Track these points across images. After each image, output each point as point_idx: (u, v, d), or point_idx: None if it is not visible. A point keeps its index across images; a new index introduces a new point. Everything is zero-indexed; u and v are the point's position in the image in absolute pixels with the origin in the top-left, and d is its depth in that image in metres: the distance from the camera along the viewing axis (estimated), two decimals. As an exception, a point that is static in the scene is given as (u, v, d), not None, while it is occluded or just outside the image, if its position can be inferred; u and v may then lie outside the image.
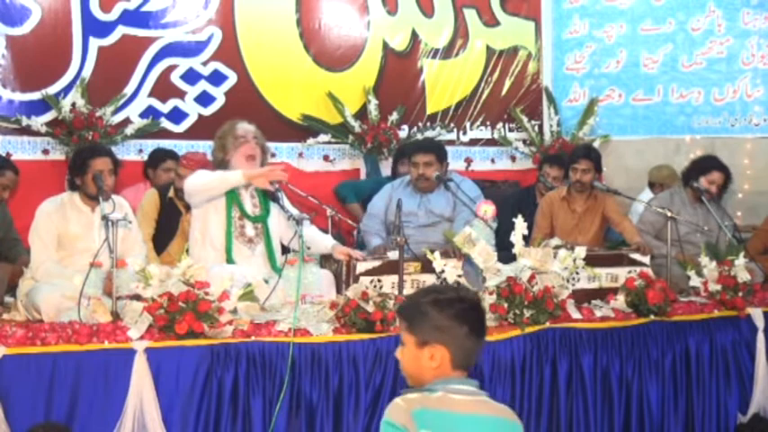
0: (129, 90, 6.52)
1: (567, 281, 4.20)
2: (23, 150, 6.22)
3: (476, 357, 2.26)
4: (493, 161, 7.85)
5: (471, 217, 4.62)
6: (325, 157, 7.21)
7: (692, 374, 4.35)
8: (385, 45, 7.40)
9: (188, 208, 5.13)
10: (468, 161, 7.67)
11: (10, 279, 4.61)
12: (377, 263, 4.31)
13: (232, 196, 4.42)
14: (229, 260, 4.36)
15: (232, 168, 4.43)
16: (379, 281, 4.22)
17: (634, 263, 4.68)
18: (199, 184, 4.34)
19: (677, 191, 5.62)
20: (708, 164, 5.56)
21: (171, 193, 5.32)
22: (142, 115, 6.56)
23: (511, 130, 7.88)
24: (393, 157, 6.61)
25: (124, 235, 4.31)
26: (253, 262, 4.39)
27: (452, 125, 7.63)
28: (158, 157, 5.92)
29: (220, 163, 4.49)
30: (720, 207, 5.41)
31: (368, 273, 4.24)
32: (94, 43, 6.41)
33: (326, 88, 7.13)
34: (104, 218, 3.88)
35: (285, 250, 4.48)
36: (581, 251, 4.20)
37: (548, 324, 4.03)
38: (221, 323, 3.54)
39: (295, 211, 4.44)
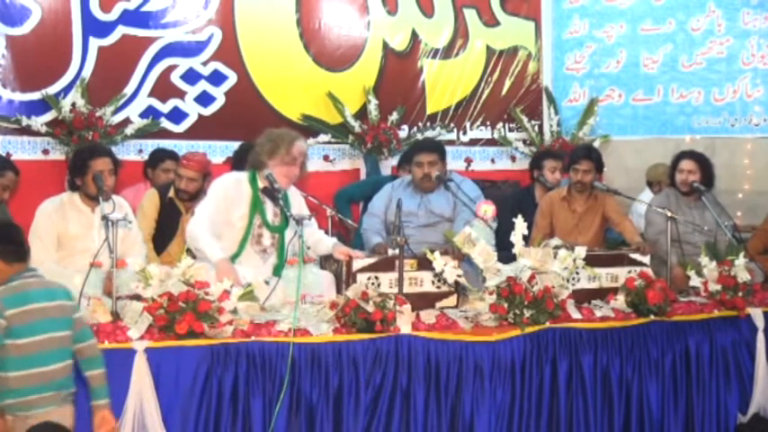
0: (129, 90, 6.52)
1: (567, 281, 4.19)
2: (23, 150, 6.22)
3: (25, 254, 3.23)
4: (493, 161, 7.86)
5: (471, 217, 4.61)
6: (326, 157, 7.21)
7: (692, 374, 4.35)
8: (385, 45, 7.41)
9: (188, 208, 5.14)
10: (468, 161, 7.68)
11: None
12: (373, 259, 4.31)
13: (257, 204, 4.41)
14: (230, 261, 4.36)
15: (264, 170, 4.39)
16: (376, 278, 4.22)
17: (634, 263, 4.68)
18: (191, 242, 4.27)
19: (672, 191, 5.62)
20: (676, 158, 5.60)
21: (171, 194, 5.31)
22: (142, 115, 6.56)
23: (511, 130, 7.89)
24: (398, 161, 6.58)
25: (124, 235, 4.31)
26: (261, 270, 4.38)
27: (452, 125, 7.64)
28: (157, 157, 5.92)
29: (257, 163, 4.44)
30: (718, 205, 5.40)
31: (364, 270, 4.24)
32: (94, 43, 6.41)
33: (326, 88, 7.13)
34: (104, 218, 3.88)
35: None
36: (581, 251, 4.20)
37: (548, 324, 4.03)
38: (221, 323, 3.54)
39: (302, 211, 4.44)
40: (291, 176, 4.46)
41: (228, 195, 4.41)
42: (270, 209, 4.48)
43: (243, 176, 4.49)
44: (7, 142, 6.17)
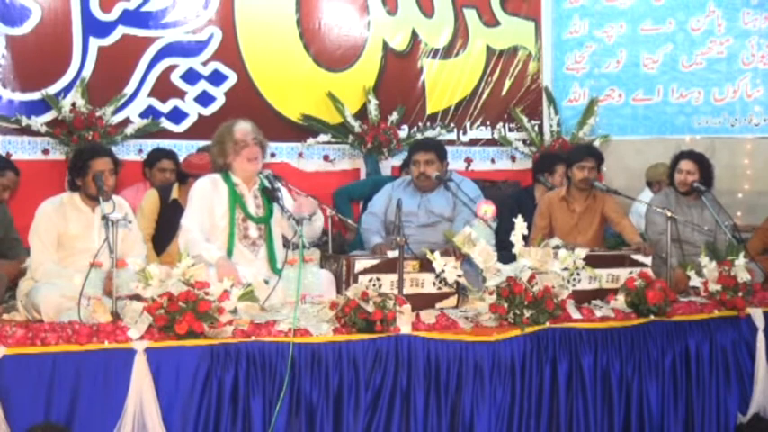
0: (129, 90, 6.53)
1: (568, 281, 4.19)
2: (23, 150, 6.23)
3: None
4: (493, 161, 7.86)
5: (471, 217, 4.61)
6: (325, 157, 7.21)
7: (692, 374, 4.35)
8: (385, 45, 7.41)
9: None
10: (468, 161, 7.68)
11: (10, 277, 4.60)
12: (375, 261, 4.31)
13: (235, 198, 4.42)
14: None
15: (234, 170, 4.43)
16: (378, 279, 4.23)
17: (636, 263, 4.68)
18: (186, 252, 3.94)
19: (671, 191, 5.63)
20: (676, 158, 5.60)
21: (175, 194, 5.30)
22: (142, 115, 6.57)
23: (511, 130, 7.89)
24: (401, 165, 6.58)
25: (124, 235, 4.31)
26: (255, 265, 4.38)
27: (452, 125, 7.64)
28: (155, 156, 5.92)
29: (221, 167, 4.46)
30: (717, 205, 5.40)
31: (366, 271, 4.24)
32: (94, 43, 6.42)
33: (326, 88, 7.13)
34: (104, 218, 3.88)
35: (287, 244, 4.47)
36: (581, 252, 4.19)
37: (548, 324, 4.02)
38: (221, 323, 3.54)
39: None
40: (252, 157, 4.42)
41: (207, 198, 4.39)
42: (251, 201, 4.47)
43: (216, 177, 4.48)
44: (7, 142, 6.17)
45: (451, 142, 7.48)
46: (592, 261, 4.29)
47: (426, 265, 4.22)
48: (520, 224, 4.09)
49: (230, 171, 4.46)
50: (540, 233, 5.22)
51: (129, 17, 6.52)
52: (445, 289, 4.35)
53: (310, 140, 7.10)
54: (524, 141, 7.88)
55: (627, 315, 4.26)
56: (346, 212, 6.25)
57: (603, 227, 5.55)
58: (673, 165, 5.59)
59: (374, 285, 4.01)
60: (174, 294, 3.48)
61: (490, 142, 7.83)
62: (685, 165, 5.49)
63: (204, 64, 6.77)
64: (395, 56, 7.46)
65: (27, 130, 6.21)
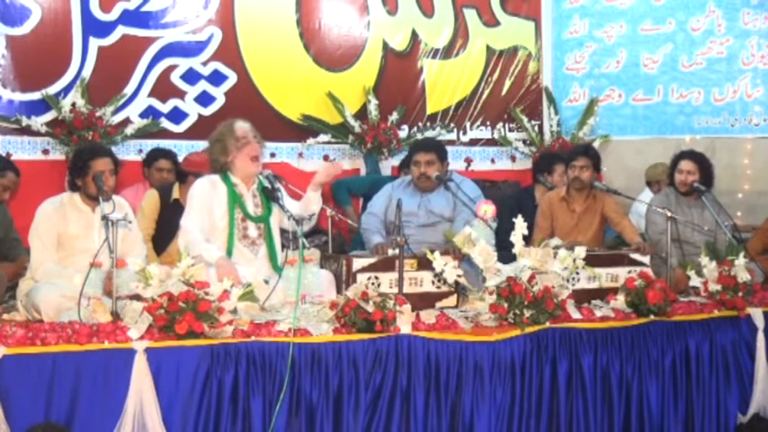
0: (129, 90, 6.53)
1: (567, 281, 4.19)
2: (23, 150, 6.23)
3: None
4: (493, 161, 7.86)
5: (471, 217, 4.62)
6: (325, 158, 7.21)
7: (692, 374, 4.35)
8: (385, 45, 7.41)
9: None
10: (468, 161, 7.68)
11: (11, 277, 4.60)
12: (373, 260, 4.31)
13: (234, 198, 4.42)
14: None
15: (235, 169, 4.43)
16: (376, 278, 4.23)
17: (634, 263, 4.68)
18: (185, 253, 3.90)
19: (671, 191, 5.63)
20: (676, 158, 5.60)
21: (176, 194, 5.30)
22: (142, 115, 6.57)
23: (511, 130, 7.89)
24: (399, 164, 6.59)
25: (124, 235, 4.31)
26: (255, 264, 4.39)
27: (452, 125, 7.64)
28: (152, 156, 5.92)
29: (223, 166, 4.46)
30: (718, 205, 5.40)
31: (364, 270, 4.25)
32: (94, 43, 6.41)
33: (326, 88, 7.13)
34: (104, 218, 3.88)
35: (286, 244, 4.46)
36: (581, 251, 4.20)
37: (548, 324, 4.03)
38: (221, 323, 3.54)
39: (294, 211, 4.44)
40: (254, 154, 4.44)
41: (206, 198, 4.40)
42: (250, 201, 4.47)
43: (215, 177, 4.48)
44: (7, 142, 6.17)
45: (451, 142, 7.48)
46: (592, 261, 4.29)
47: (424, 263, 4.23)
48: (520, 224, 4.09)
49: (230, 171, 4.46)
50: (542, 233, 5.23)
51: (129, 17, 6.52)
52: (444, 288, 4.34)
53: (310, 140, 7.10)
54: (524, 141, 7.88)
55: (627, 315, 4.26)
56: (345, 202, 6.29)
57: (603, 227, 5.56)
58: (673, 165, 5.59)
59: (372, 284, 4.01)
60: (174, 294, 3.48)
61: (490, 142, 7.83)
62: (686, 165, 5.49)
63: (204, 64, 6.77)
64: (395, 56, 7.46)
65: (27, 130, 6.21)
